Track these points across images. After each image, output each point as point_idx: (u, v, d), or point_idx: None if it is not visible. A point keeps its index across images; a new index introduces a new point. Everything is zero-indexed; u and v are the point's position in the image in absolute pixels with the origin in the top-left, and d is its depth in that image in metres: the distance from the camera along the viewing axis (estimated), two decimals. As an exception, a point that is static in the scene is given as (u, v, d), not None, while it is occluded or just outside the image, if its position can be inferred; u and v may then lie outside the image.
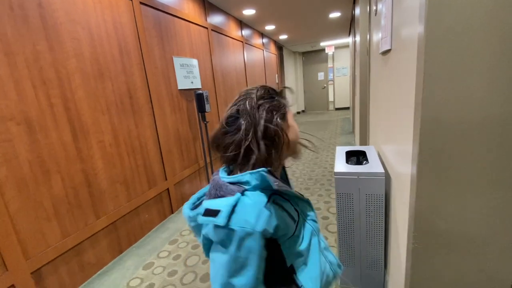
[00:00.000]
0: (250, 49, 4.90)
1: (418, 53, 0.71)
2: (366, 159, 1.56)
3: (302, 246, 0.56)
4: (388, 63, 1.26)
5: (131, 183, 2.10)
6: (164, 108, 2.49)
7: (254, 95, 0.58)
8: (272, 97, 0.59)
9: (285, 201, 0.56)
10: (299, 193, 0.61)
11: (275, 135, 0.54)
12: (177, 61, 2.66)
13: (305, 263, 0.56)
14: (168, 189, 2.53)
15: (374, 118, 1.85)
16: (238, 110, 0.57)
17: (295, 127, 0.61)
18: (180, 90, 2.73)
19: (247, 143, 0.53)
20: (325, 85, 9.42)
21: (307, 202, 0.64)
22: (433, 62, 0.66)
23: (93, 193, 1.78)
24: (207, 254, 0.53)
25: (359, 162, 1.65)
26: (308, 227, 0.61)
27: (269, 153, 0.54)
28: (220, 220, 0.46)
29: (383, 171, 1.24)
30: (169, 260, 1.88)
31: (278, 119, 0.56)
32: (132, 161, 2.11)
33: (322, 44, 8.14)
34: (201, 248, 2.00)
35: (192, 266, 1.79)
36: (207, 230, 0.49)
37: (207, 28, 3.28)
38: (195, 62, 2.95)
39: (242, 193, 0.50)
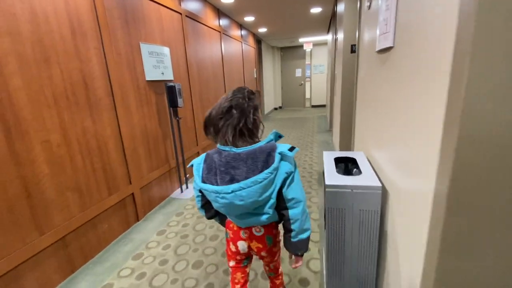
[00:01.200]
0: (228, 40, 4.62)
1: (457, 45, 0.55)
2: (356, 167, 1.43)
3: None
4: (388, 62, 1.11)
5: (86, 190, 1.78)
6: (129, 102, 2.18)
7: (244, 96, 0.87)
8: (252, 98, 0.88)
9: None
10: None
11: (257, 122, 0.89)
12: (145, 48, 2.34)
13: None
14: (133, 193, 2.23)
15: (363, 122, 1.72)
16: (231, 105, 0.85)
17: (260, 116, 0.92)
18: (149, 81, 2.41)
19: (239, 126, 0.84)
20: (302, 82, 9.39)
21: None
22: (482, 57, 0.50)
23: (35, 205, 1.46)
24: (287, 188, 0.85)
25: (347, 170, 1.51)
26: None
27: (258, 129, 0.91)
28: (293, 153, 0.83)
29: (379, 184, 1.10)
30: (132, 279, 1.62)
31: (258, 114, 0.89)
32: (87, 163, 1.80)
33: (301, 40, 8.05)
34: (170, 264, 1.76)
35: (158, 286, 1.55)
36: (287, 168, 0.83)
37: (180, 13, 2.97)
38: (166, 50, 2.64)
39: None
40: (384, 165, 1.20)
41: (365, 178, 1.17)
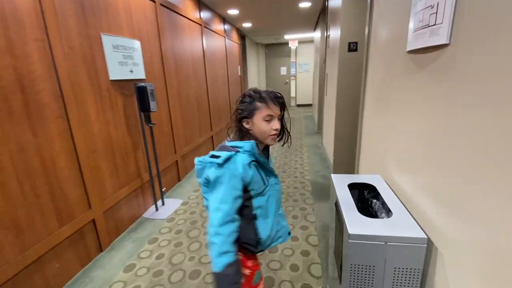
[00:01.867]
0: (210, 34, 4.21)
1: None
2: (375, 198, 1.14)
3: (266, 203, 0.88)
4: (437, 65, 0.82)
5: (26, 225, 1.36)
6: (86, 107, 1.75)
7: (241, 96, 0.89)
8: (250, 101, 0.86)
9: (260, 169, 0.86)
10: (272, 169, 0.92)
11: (230, 123, 0.92)
12: (108, 40, 1.91)
13: (265, 216, 0.88)
14: (93, 220, 1.82)
15: (378, 136, 1.44)
16: (237, 101, 0.90)
17: (259, 125, 0.85)
18: (113, 81, 1.99)
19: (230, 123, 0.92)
20: (287, 81, 9.12)
21: (277, 178, 0.93)
22: None
23: None
24: (204, 193, 0.85)
25: (363, 199, 1.21)
26: (273, 193, 0.90)
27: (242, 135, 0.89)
28: (219, 160, 0.78)
29: (424, 236, 0.80)
30: None
31: (238, 116, 0.87)
32: (27, 190, 1.37)
33: (286, 37, 7.75)
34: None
35: None
36: (208, 172, 0.80)
37: (154, 1, 2.54)
38: (136, 44, 2.22)
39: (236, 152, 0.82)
40: (420, 201, 0.91)
41: (402, 225, 0.87)
